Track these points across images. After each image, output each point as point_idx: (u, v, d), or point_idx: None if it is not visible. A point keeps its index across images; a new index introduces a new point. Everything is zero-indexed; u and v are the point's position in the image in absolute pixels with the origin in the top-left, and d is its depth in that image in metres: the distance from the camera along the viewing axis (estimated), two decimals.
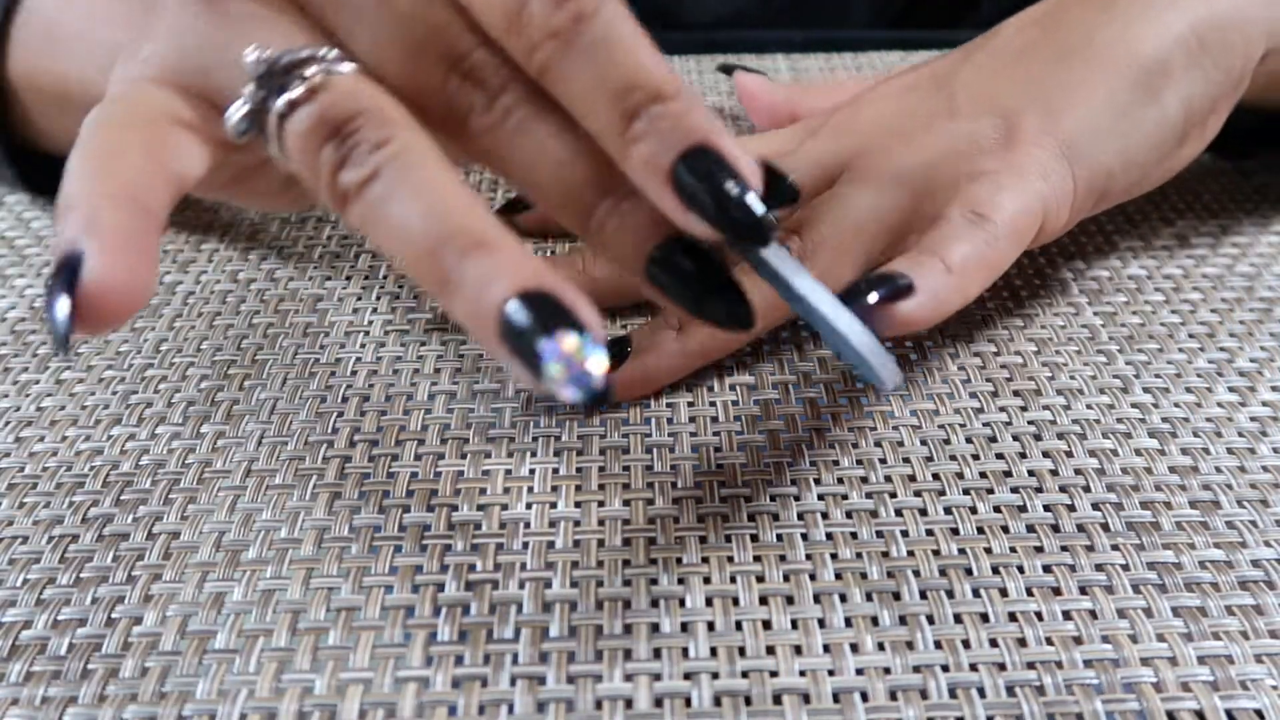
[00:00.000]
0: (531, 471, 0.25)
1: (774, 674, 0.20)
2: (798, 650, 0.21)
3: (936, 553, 0.23)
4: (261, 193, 0.26)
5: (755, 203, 0.20)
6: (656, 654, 0.21)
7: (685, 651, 0.21)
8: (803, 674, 0.20)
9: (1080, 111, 0.27)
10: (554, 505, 0.24)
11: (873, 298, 0.23)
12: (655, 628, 0.21)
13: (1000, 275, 0.26)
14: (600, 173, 0.21)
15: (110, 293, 0.19)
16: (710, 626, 0.21)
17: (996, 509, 0.24)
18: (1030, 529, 0.23)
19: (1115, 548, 0.23)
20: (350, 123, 0.20)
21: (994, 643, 0.21)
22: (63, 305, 0.18)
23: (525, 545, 0.23)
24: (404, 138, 0.20)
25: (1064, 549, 0.23)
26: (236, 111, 0.21)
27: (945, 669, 0.20)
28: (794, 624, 0.21)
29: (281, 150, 0.21)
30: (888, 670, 0.20)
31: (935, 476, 0.25)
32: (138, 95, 0.22)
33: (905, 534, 0.23)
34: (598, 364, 0.18)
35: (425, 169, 0.20)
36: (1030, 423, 0.26)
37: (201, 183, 0.22)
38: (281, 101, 0.20)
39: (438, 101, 0.21)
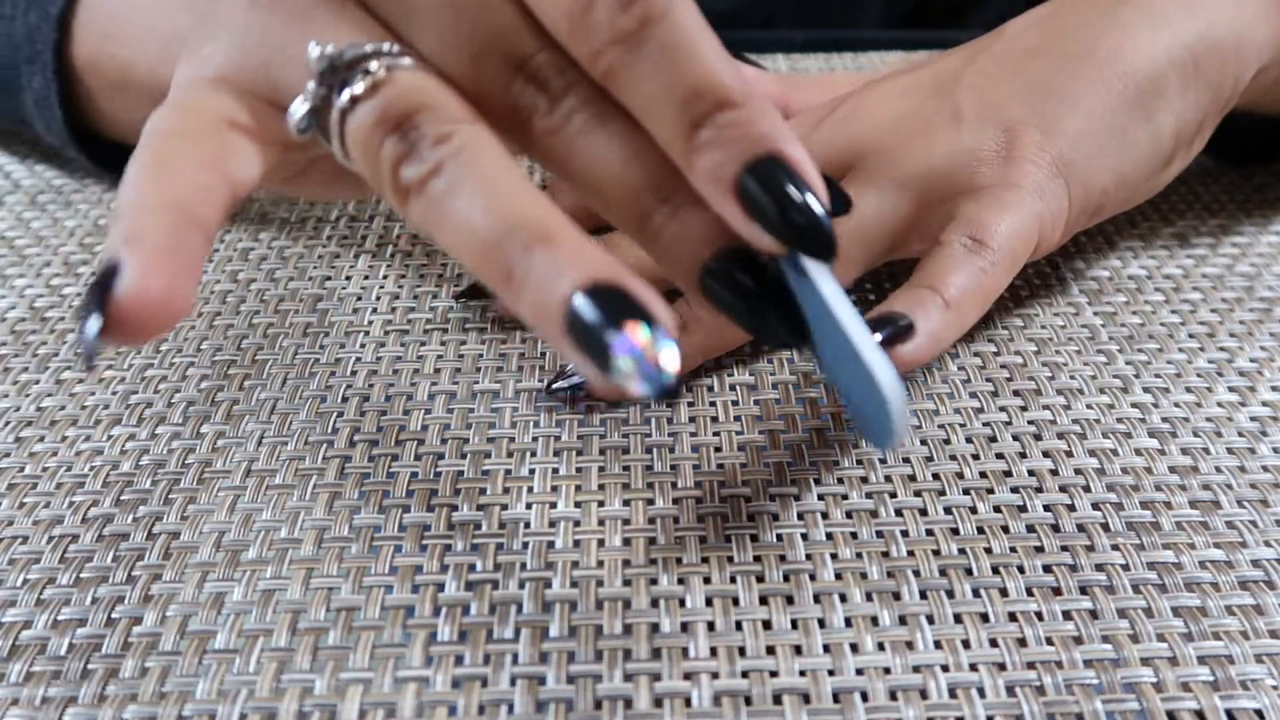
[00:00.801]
0: (531, 471, 0.25)
1: (774, 674, 0.20)
2: (798, 650, 0.21)
3: (936, 553, 0.23)
4: (316, 184, 0.26)
5: (821, 214, 0.20)
6: (656, 654, 0.21)
7: (685, 651, 0.21)
8: (803, 674, 0.20)
9: (1078, 129, 0.28)
10: (554, 505, 0.24)
11: (875, 339, 0.23)
12: (655, 628, 0.21)
13: (1003, 322, 0.27)
14: (661, 177, 0.21)
15: (144, 305, 0.18)
16: (710, 626, 0.21)
17: (996, 509, 0.24)
18: (1030, 529, 0.23)
19: (1115, 548, 0.23)
20: (413, 117, 0.20)
21: (994, 643, 0.21)
22: (93, 321, 0.18)
23: (525, 545, 0.23)
24: (467, 132, 0.20)
25: (1064, 549, 0.23)
26: (299, 109, 0.21)
27: (945, 669, 0.20)
28: (794, 624, 0.21)
29: (343, 146, 0.21)
30: (888, 670, 0.20)
31: (935, 476, 0.25)
32: (196, 100, 0.22)
33: (905, 534, 0.23)
34: (670, 358, 0.17)
35: (488, 163, 0.19)
36: (1030, 423, 0.26)
37: (258, 183, 0.22)
38: (344, 97, 0.20)
39: (500, 102, 0.21)
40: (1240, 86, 0.30)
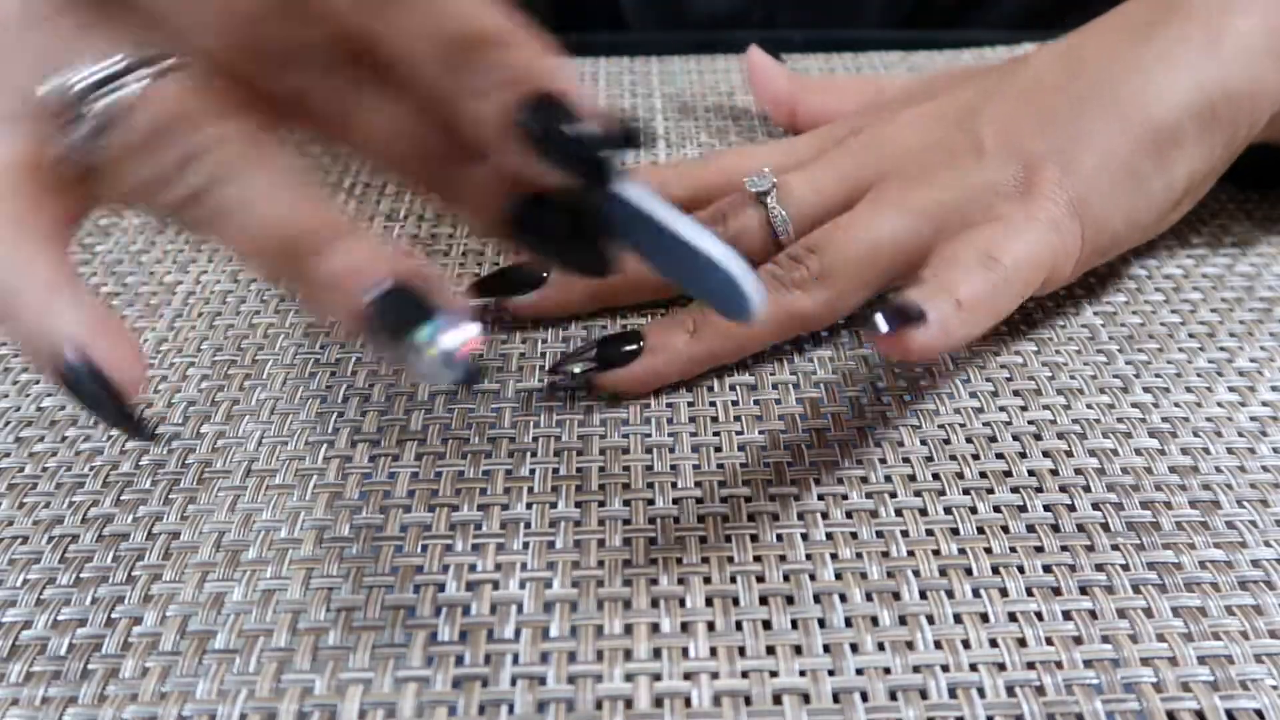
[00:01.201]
0: (531, 471, 0.25)
1: (774, 674, 0.20)
2: (798, 650, 0.21)
3: (936, 553, 0.23)
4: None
5: (599, 139, 0.19)
6: (656, 654, 0.21)
7: (685, 651, 0.21)
8: (803, 674, 0.20)
9: (1095, 171, 0.28)
10: (554, 505, 0.24)
11: (886, 323, 0.23)
12: (655, 628, 0.21)
13: (1003, 320, 0.26)
14: (443, 136, 0.21)
15: (136, 372, 0.19)
16: (710, 626, 0.21)
17: (996, 509, 0.24)
18: (1030, 529, 0.23)
19: (1115, 548, 0.23)
20: (172, 133, 0.19)
21: (994, 643, 0.21)
22: (117, 415, 0.19)
23: (526, 545, 0.23)
24: (232, 137, 0.19)
25: (1064, 549, 0.23)
26: (71, 135, 0.20)
27: (945, 669, 0.20)
28: (794, 624, 0.21)
29: (120, 169, 0.20)
30: (888, 670, 0.20)
31: (935, 476, 0.25)
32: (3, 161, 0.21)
33: (905, 534, 0.23)
34: (457, 338, 0.18)
35: (258, 169, 0.19)
36: (1030, 423, 0.26)
37: (90, 208, 0.22)
38: (100, 120, 0.19)
39: (269, 87, 0.21)
40: (1253, 134, 0.30)
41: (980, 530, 0.23)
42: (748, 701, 0.20)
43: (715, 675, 0.20)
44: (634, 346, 0.27)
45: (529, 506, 0.24)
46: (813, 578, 0.22)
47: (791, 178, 0.30)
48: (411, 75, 0.20)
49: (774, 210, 0.29)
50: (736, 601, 0.22)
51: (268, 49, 0.20)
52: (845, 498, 0.24)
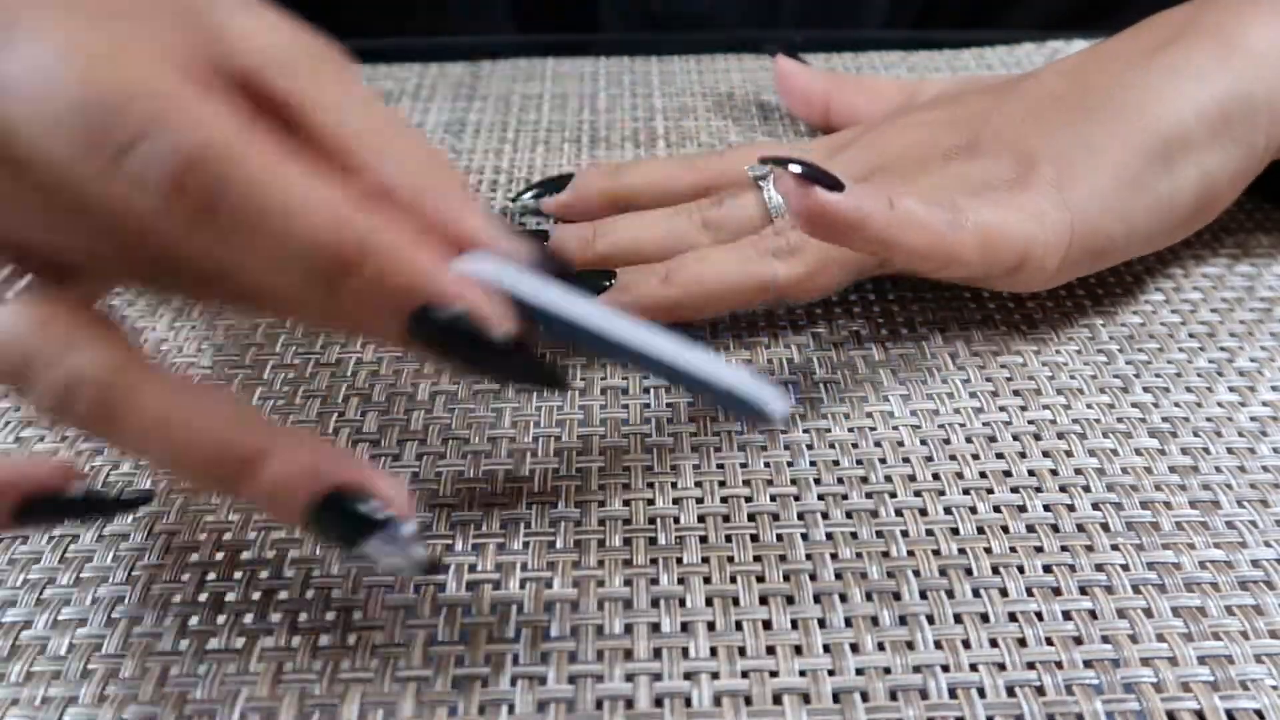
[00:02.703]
0: (532, 472, 0.25)
1: (774, 674, 0.20)
2: (798, 650, 0.21)
3: (936, 553, 0.23)
4: None
5: (501, 333, 0.18)
6: (656, 654, 0.21)
7: (685, 651, 0.21)
8: (803, 674, 0.20)
9: (1091, 172, 0.28)
10: (554, 505, 0.24)
11: (795, 168, 0.23)
12: (655, 627, 0.21)
13: (937, 266, 0.26)
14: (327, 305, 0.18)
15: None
16: (710, 626, 0.21)
17: (996, 509, 0.24)
18: (1030, 529, 0.23)
19: (1115, 548, 0.23)
20: (25, 373, 0.18)
21: (994, 643, 0.21)
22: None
23: (526, 545, 0.23)
24: (105, 362, 0.18)
25: (1064, 549, 0.23)
26: None
27: (945, 669, 0.20)
28: (794, 624, 0.21)
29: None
30: (888, 670, 0.20)
31: (935, 476, 0.25)
32: None
33: (905, 534, 0.23)
34: (407, 540, 0.18)
35: (152, 389, 0.18)
36: (1030, 422, 0.26)
37: None
38: None
39: (133, 281, 0.20)
40: (1276, 143, 0.29)
41: (980, 530, 0.23)
42: (748, 701, 0.20)
43: (715, 675, 0.20)
44: (607, 283, 0.28)
45: (529, 506, 0.24)
46: (813, 578, 0.22)
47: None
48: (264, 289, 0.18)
49: (769, 195, 0.30)
50: (736, 601, 0.22)
51: (108, 255, 0.19)
52: (845, 498, 0.24)
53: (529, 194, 0.35)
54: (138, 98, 0.16)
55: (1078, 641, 0.21)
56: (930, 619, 0.21)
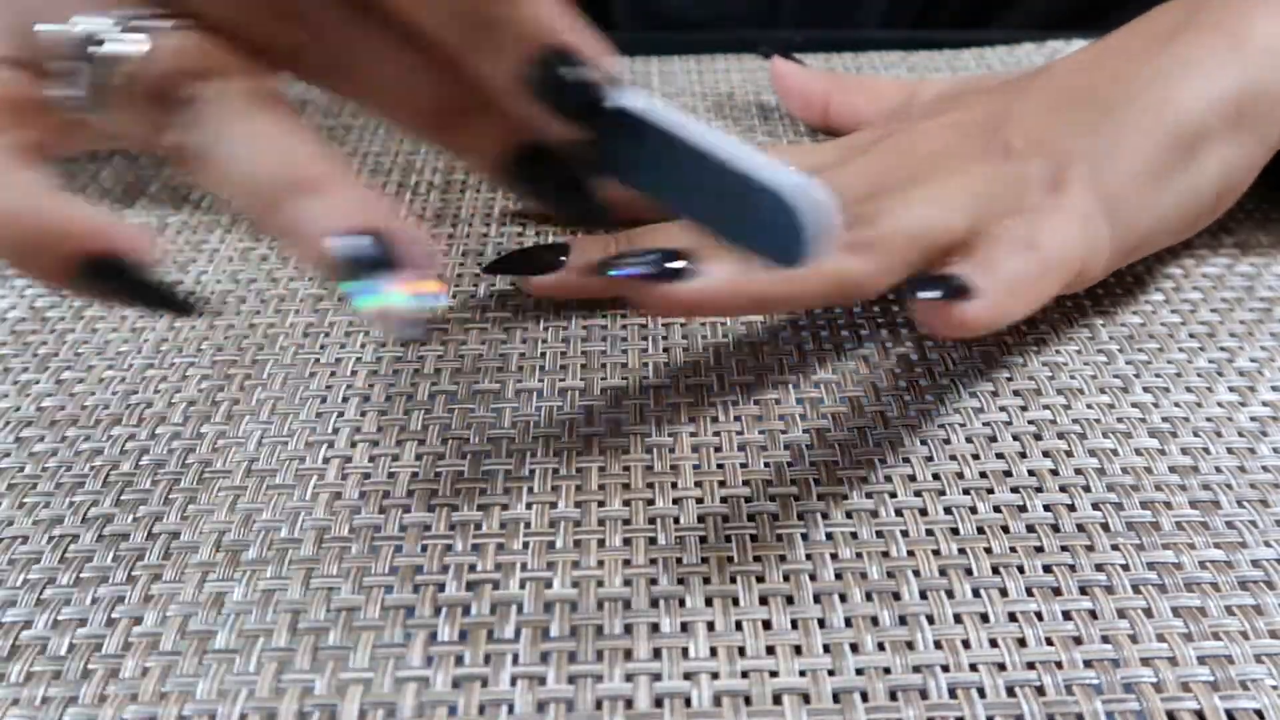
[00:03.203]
0: (531, 472, 0.25)
1: (774, 674, 0.20)
2: (798, 650, 0.21)
3: (936, 553, 0.23)
4: (98, 138, 0.25)
5: (603, 89, 0.19)
6: (656, 654, 0.21)
7: (685, 651, 0.21)
8: (803, 674, 0.20)
9: (1122, 171, 0.28)
10: (554, 505, 0.24)
11: (937, 290, 0.23)
12: (655, 627, 0.21)
13: (1039, 309, 0.26)
14: (445, 84, 0.21)
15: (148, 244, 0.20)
16: (710, 626, 0.21)
17: (996, 509, 0.24)
18: (1030, 529, 0.23)
19: (1115, 548, 0.23)
20: (175, 85, 0.20)
21: (994, 643, 0.21)
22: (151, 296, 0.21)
23: (525, 545, 0.23)
24: (224, 88, 0.20)
25: (1064, 549, 0.23)
26: (59, 87, 0.21)
27: (945, 669, 0.20)
28: (794, 624, 0.21)
29: (114, 117, 0.21)
30: (888, 670, 0.20)
31: (935, 476, 0.25)
32: None
33: (905, 534, 0.23)
34: (426, 300, 0.19)
35: (247, 118, 0.20)
36: (1030, 423, 0.26)
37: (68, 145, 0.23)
38: (98, 75, 0.20)
39: (271, 40, 0.21)
40: None
41: (980, 530, 0.23)
42: (748, 701, 0.20)
43: (715, 675, 0.20)
44: (564, 258, 0.29)
45: (529, 506, 0.24)
46: (813, 578, 0.22)
47: (831, 173, 0.29)
48: (419, 31, 0.20)
49: None
50: (736, 601, 0.22)
51: (262, 4, 0.21)
52: (845, 498, 0.24)
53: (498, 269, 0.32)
54: None
55: (1078, 641, 0.21)
56: (930, 619, 0.21)
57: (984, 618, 0.21)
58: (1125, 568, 0.22)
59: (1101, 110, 0.29)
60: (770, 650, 0.21)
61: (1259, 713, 0.20)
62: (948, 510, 0.24)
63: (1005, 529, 0.23)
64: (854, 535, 0.23)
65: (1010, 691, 0.20)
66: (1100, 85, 0.30)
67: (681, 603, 0.22)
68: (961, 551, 0.23)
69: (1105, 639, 0.21)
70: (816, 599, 0.22)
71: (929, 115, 0.32)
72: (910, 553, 0.23)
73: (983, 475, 0.25)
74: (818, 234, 0.18)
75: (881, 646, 0.21)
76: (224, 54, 0.21)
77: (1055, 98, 0.30)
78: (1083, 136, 0.28)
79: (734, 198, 0.18)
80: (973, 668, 0.20)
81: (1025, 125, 0.29)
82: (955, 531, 0.23)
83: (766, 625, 0.21)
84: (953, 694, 0.20)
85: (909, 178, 0.29)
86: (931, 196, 0.27)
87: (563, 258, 0.30)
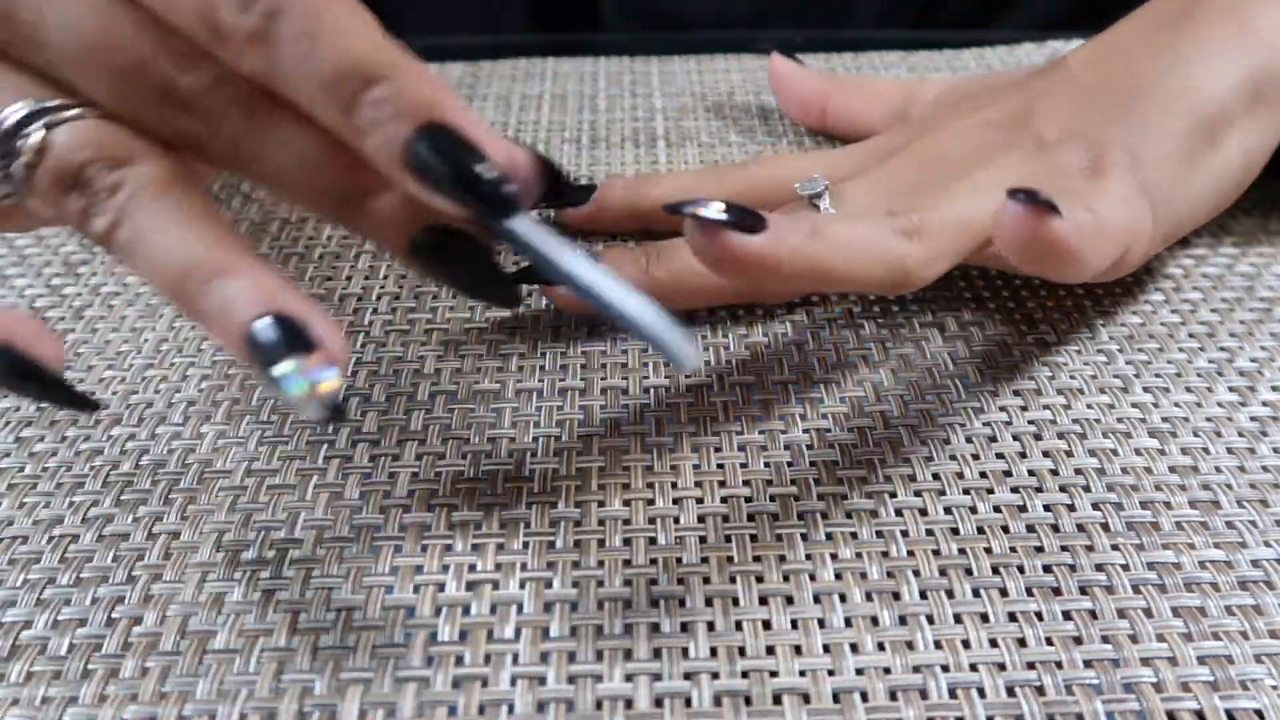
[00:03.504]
0: (531, 472, 0.25)
1: (774, 674, 0.20)
2: (798, 650, 0.21)
3: (936, 553, 0.23)
4: (25, 220, 0.26)
5: (492, 173, 0.19)
6: (656, 654, 0.21)
7: (685, 651, 0.21)
8: (803, 674, 0.20)
9: (1157, 156, 0.28)
10: (554, 505, 0.24)
11: (1022, 198, 0.22)
12: (655, 628, 0.21)
13: (1095, 276, 0.25)
14: (347, 167, 0.21)
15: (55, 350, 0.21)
16: (710, 626, 0.21)
17: (996, 509, 0.24)
18: (1030, 529, 0.23)
19: (1115, 548, 0.23)
20: (84, 172, 0.21)
21: (994, 643, 0.21)
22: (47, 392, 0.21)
23: (525, 545, 0.23)
24: (137, 176, 0.21)
25: (1064, 549, 0.23)
26: None
27: (945, 669, 0.20)
28: (794, 624, 0.21)
29: (37, 204, 0.22)
30: (888, 670, 0.20)
31: (935, 476, 0.25)
32: None
33: (905, 534, 0.23)
34: (328, 381, 0.19)
35: (160, 204, 0.21)
36: (1030, 422, 0.26)
37: None
38: (17, 166, 0.21)
39: (166, 130, 0.22)
40: None
41: (980, 530, 0.23)
42: (748, 701, 0.20)
43: (715, 675, 0.20)
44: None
45: (529, 506, 0.24)
46: (813, 578, 0.22)
47: (846, 184, 0.29)
48: (308, 110, 0.20)
49: (828, 211, 0.28)
50: (736, 601, 0.22)
51: (155, 95, 0.21)
52: (845, 498, 0.24)
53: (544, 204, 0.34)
54: None
55: (1078, 641, 0.21)
56: (930, 619, 0.21)
57: (984, 618, 0.21)
58: (1125, 568, 0.22)
59: (1125, 99, 0.29)
60: (770, 650, 0.21)
61: (1259, 713, 0.20)
62: (948, 510, 0.24)
63: (1005, 529, 0.23)
64: (854, 535, 0.23)
65: (1010, 691, 0.20)
66: (1118, 76, 0.30)
67: (681, 603, 0.22)
68: (961, 551, 0.23)
69: (1105, 639, 0.21)
70: (816, 599, 0.22)
71: (949, 116, 0.31)
72: (910, 553, 0.23)
73: (983, 475, 0.25)
74: (688, 360, 0.19)
75: (881, 646, 0.21)
76: (131, 139, 0.21)
77: (1077, 90, 0.30)
78: (1113, 124, 0.28)
79: (614, 316, 0.20)
80: (973, 668, 0.20)
81: (1054, 117, 0.29)
82: (955, 531, 0.23)
83: (766, 625, 0.21)
84: (953, 694, 0.20)
85: (941, 180, 0.28)
86: (974, 186, 0.26)
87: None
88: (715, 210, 0.21)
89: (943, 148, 0.30)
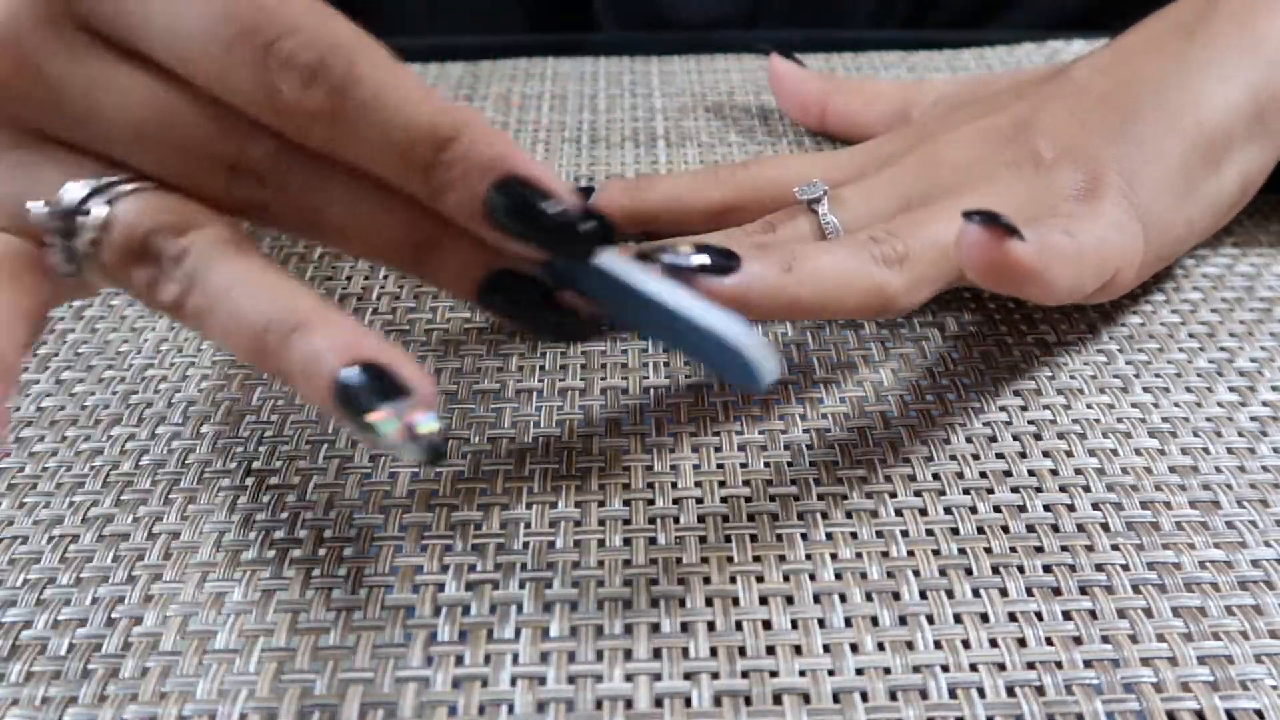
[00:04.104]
0: (531, 472, 0.25)
1: (774, 674, 0.20)
2: (798, 650, 0.21)
3: (936, 553, 0.23)
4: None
5: (569, 214, 0.20)
6: (656, 654, 0.21)
7: (685, 651, 0.21)
8: (803, 674, 0.20)
9: (1155, 177, 0.28)
10: (554, 505, 0.24)
11: (981, 221, 0.22)
12: (655, 628, 0.21)
13: (1077, 300, 0.26)
14: (414, 220, 0.22)
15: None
16: (710, 626, 0.21)
17: (996, 509, 0.24)
18: (1030, 529, 0.23)
19: (1115, 548, 0.23)
20: (150, 242, 0.21)
21: (994, 643, 0.21)
22: None
23: (525, 545, 0.23)
24: (203, 241, 0.21)
25: (1064, 549, 0.23)
26: (53, 255, 0.22)
27: (945, 669, 0.20)
28: (794, 624, 0.21)
29: (97, 279, 0.22)
30: (888, 670, 0.20)
31: (935, 476, 0.25)
32: None
33: (905, 534, 0.23)
34: (428, 425, 0.19)
35: (229, 266, 0.21)
36: (1030, 422, 0.26)
37: (52, 304, 0.23)
38: (83, 243, 0.21)
39: (229, 201, 0.22)
40: None
41: (980, 530, 0.23)
42: (748, 701, 0.20)
43: (715, 675, 0.20)
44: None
45: (529, 506, 0.24)
46: (813, 578, 0.22)
47: (845, 189, 0.29)
48: (382, 177, 0.21)
49: (826, 218, 0.28)
50: (736, 601, 0.22)
51: (220, 167, 0.21)
52: (845, 498, 0.24)
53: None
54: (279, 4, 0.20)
55: (1078, 641, 0.21)
56: (930, 619, 0.21)
57: (984, 618, 0.21)
58: (1125, 568, 0.22)
59: (1127, 116, 0.29)
60: (770, 650, 0.21)
61: (1259, 713, 0.20)
62: (948, 510, 0.24)
63: (1005, 529, 0.23)
64: (854, 535, 0.23)
65: (1010, 691, 0.20)
66: (1122, 87, 0.29)
67: (681, 603, 0.22)
68: (961, 551, 0.23)
69: (1105, 639, 0.21)
70: (816, 599, 0.22)
71: (950, 122, 0.31)
72: (910, 553, 0.23)
73: (983, 475, 0.25)
74: (767, 373, 0.20)
75: (881, 646, 0.21)
76: (192, 207, 0.21)
77: (1079, 102, 0.29)
78: (1112, 144, 0.28)
79: (692, 339, 0.20)
80: (973, 668, 0.20)
81: (1053, 132, 0.29)
82: (955, 531, 0.23)
83: (766, 625, 0.21)
84: (953, 694, 0.20)
85: (940, 188, 0.28)
86: (963, 208, 0.26)
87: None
88: (686, 257, 0.22)
89: (942, 155, 0.30)
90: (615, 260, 0.21)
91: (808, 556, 0.23)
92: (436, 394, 0.19)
